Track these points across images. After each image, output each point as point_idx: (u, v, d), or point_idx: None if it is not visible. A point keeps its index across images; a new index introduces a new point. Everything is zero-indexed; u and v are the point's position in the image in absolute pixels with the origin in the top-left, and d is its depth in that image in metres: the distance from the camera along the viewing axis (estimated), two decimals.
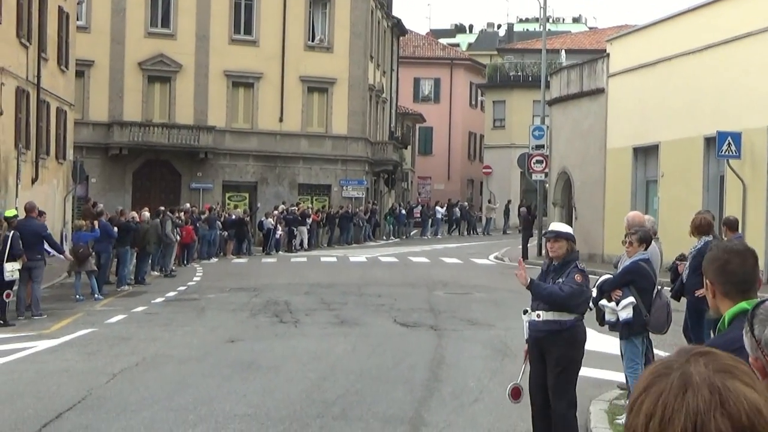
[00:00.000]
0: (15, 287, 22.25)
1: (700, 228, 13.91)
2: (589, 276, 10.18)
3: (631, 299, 11.40)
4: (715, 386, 1.82)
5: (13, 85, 34.10)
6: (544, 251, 29.69)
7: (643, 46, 36.53)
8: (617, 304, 11.50)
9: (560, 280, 9.91)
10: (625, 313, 11.42)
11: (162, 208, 37.56)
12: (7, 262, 21.55)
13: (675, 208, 32.12)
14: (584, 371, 14.22)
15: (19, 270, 21.90)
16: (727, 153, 28.77)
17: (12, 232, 21.95)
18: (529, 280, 9.89)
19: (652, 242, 12.06)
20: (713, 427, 1.78)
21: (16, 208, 23.65)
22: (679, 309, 13.77)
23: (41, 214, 24.15)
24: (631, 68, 37.24)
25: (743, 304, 4.51)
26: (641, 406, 1.86)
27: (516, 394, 10.19)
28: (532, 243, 43.39)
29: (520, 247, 43.77)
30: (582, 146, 41.23)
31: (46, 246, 23.67)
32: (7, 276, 21.54)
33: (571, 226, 40.79)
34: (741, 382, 1.84)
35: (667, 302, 11.72)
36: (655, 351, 12.42)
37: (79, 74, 49.61)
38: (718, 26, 31.60)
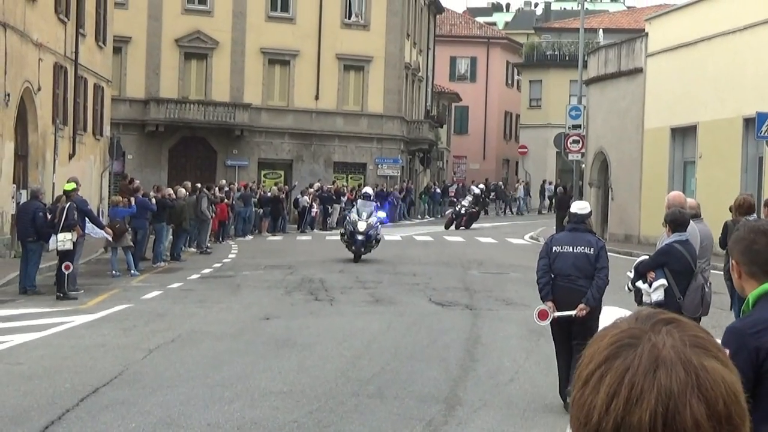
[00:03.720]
0: (73, 258, 22.44)
1: (741, 208, 13.74)
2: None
3: (662, 281, 11.31)
4: (691, 365, 1.59)
5: (51, 61, 34.21)
6: None
7: (683, 25, 36.21)
8: (650, 286, 11.42)
9: None
10: (656, 296, 11.33)
11: (198, 185, 37.66)
12: (60, 232, 21.87)
13: (713, 190, 31.87)
14: None
15: (73, 241, 22.11)
16: (766, 134, 28.45)
17: (68, 203, 22.24)
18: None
19: (691, 223, 11.92)
20: (687, 413, 1.56)
21: (74, 182, 23.81)
22: (717, 291, 13.66)
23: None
24: (669, 48, 36.93)
25: (767, 286, 4.43)
26: (601, 381, 1.61)
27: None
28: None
29: (554, 228, 43.40)
30: (619, 126, 40.97)
31: (88, 224, 23.79)
32: (59, 245, 21.82)
33: (608, 206, 40.71)
34: (717, 360, 1.61)
35: (702, 285, 11.57)
36: None
37: (117, 50, 49.76)
38: (758, 5, 31.26)
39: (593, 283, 11.55)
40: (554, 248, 11.71)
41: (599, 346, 1.66)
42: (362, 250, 30.80)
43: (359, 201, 33.28)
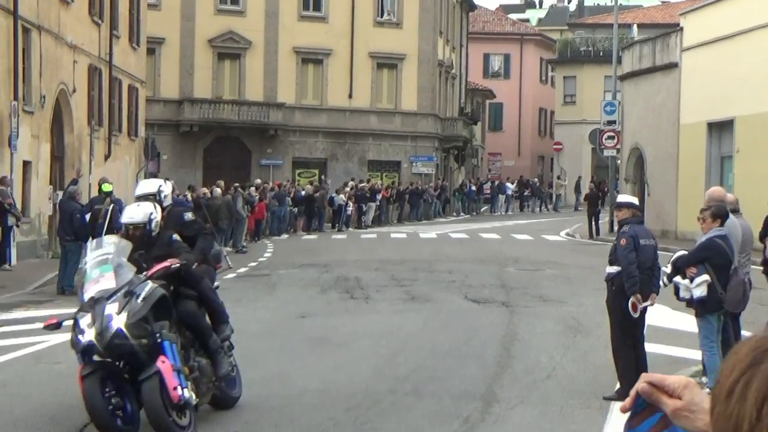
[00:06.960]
0: None
1: None
2: (638, 239, 11.81)
3: (705, 277, 11.24)
4: None
5: (86, 63, 34.41)
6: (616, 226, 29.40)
7: (718, 19, 35.92)
8: (691, 281, 11.33)
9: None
10: (699, 291, 11.26)
11: (237, 184, 37.73)
12: (107, 234, 21.84)
13: (751, 184, 31.58)
14: (658, 348, 14.13)
15: None
16: None
17: (112, 205, 22.13)
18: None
19: (731, 217, 11.83)
20: None
21: (110, 183, 23.85)
22: (756, 287, 13.52)
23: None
24: (705, 42, 36.66)
25: None
26: (747, 388, 1.55)
27: None
28: (604, 219, 42.95)
29: (586, 226, 42.99)
30: (654, 122, 40.73)
31: None
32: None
33: (644, 202, 40.52)
34: None
35: (743, 279, 11.49)
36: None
37: (150, 51, 49.98)
38: None
39: (656, 273, 11.90)
40: (641, 241, 11.79)
41: (739, 356, 1.61)
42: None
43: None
